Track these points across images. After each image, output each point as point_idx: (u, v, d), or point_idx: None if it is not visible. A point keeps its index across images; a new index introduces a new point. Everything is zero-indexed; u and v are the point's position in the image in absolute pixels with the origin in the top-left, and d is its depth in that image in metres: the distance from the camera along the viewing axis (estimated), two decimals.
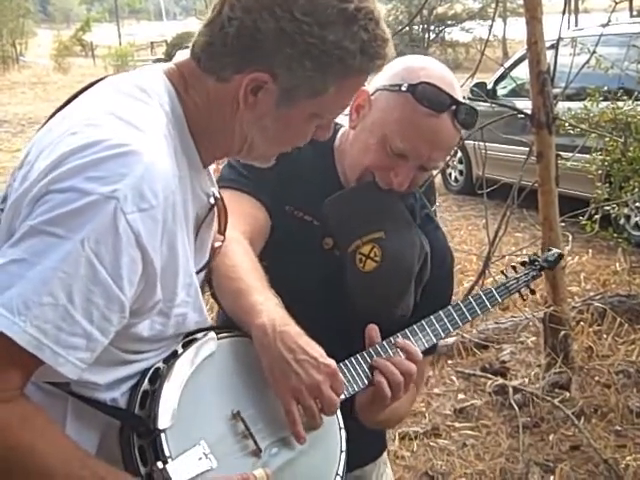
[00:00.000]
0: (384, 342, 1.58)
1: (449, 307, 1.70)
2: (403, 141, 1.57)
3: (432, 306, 1.71)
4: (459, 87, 1.64)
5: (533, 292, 1.92)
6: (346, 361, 1.52)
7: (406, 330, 1.62)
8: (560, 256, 1.94)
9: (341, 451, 1.47)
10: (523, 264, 1.90)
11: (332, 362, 1.36)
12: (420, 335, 1.63)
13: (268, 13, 1.17)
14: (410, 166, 1.60)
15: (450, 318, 1.68)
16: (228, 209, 1.49)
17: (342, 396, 1.44)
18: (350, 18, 1.18)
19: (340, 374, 1.38)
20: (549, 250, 1.96)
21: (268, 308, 1.39)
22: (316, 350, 1.36)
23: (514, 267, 1.90)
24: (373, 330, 1.57)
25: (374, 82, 1.65)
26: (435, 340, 1.66)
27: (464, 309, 1.72)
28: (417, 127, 1.56)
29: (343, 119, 1.76)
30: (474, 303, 1.74)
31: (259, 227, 1.62)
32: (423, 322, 1.65)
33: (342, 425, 1.48)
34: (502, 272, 1.89)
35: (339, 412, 1.43)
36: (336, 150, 1.74)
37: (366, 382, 1.53)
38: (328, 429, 1.42)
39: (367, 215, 1.65)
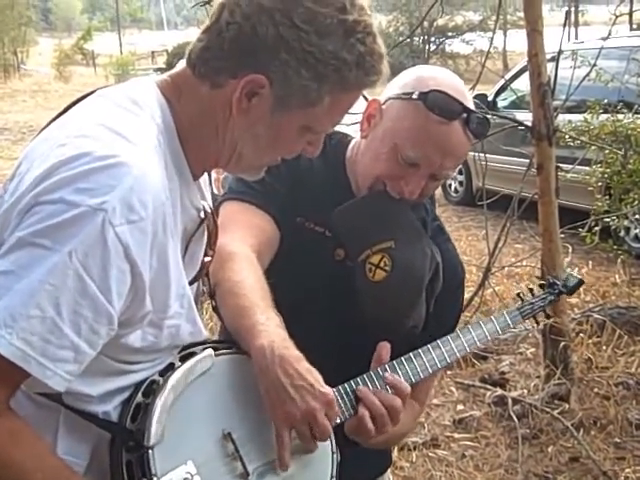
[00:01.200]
0: (378, 369, 1.53)
1: (457, 331, 1.67)
2: (414, 149, 1.56)
3: (442, 319, 1.69)
4: (470, 96, 1.63)
5: (548, 317, 1.87)
6: (339, 387, 1.48)
7: (402, 358, 1.58)
8: (580, 282, 1.89)
9: (331, 476, 1.44)
10: (542, 287, 1.86)
11: (329, 390, 1.35)
12: (415, 363, 1.59)
13: (267, 18, 1.16)
14: (421, 174, 1.58)
15: (458, 342, 1.65)
16: (236, 221, 1.48)
17: (343, 417, 1.43)
18: (349, 30, 1.18)
19: (335, 403, 1.36)
20: (570, 275, 1.91)
21: (268, 329, 1.37)
22: (314, 376, 1.34)
23: (531, 290, 1.85)
24: (384, 349, 1.54)
25: (385, 92, 1.65)
26: (440, 365, 1.62)
27: (473, 334, 1.68)
28: (428, 135, 1.55)
29: (353, 131, 1.76)
30: (484, 328, 1.70)
31: (266, 239, 1.60)
32: (429, 346, 1.61)
33: (335, 449, 1.45)
34: (518, 295, 1.84)
35: (332, 436, 1.41)
36: (348, 161, 1.73)
37: (352, 412, 1.49)
38: (319, 453, 1.40)
39: (377, 224, 1.63)
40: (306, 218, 1.67)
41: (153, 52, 39.77)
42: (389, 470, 1.94)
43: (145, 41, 47.73)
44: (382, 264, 1.60)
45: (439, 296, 1.69)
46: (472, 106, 1.60)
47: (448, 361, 1.64)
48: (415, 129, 1.56)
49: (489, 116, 1.73)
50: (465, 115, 1.56)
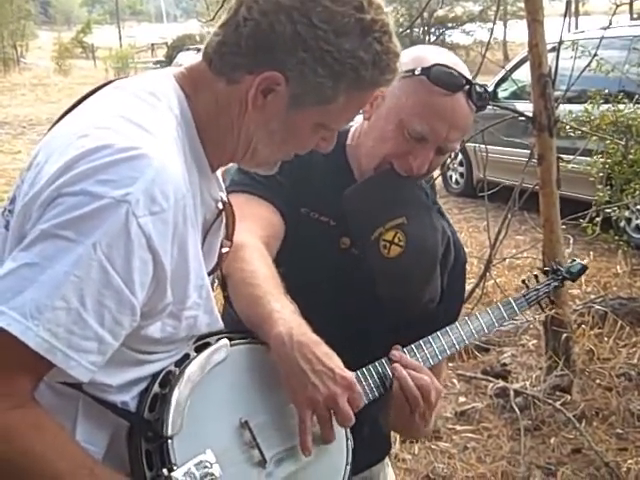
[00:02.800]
0: (405, 349, 1.57)
1: (465, 318, 1.69)
2: (421, 123, 1.58)
3: (446, 301, 1.72)
4: (467, 70, 1.65)
5: (553, 302, 1.89)
6: (363, 369, 1.52)
7: (420, 341, 1.61)
8: (584, 268, 1.90)
9: (347, 463, 1.46)
10: (545, 273, 1.88)
11: (349, 374, 1.36)
12: (434, 346, 1.63)
13: (285, 16, 1.16)
14: (428, 148, 1.60)
15: (466, 329, 1.67)
16: (243, 213, 1.48)
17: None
18: (366, 29, 1.18)
19: (357, 386, 1.37)
20: (573, 260, 1.92)
21: (285, 317, 1.38)
22: (333, 361, 1.35)
23: (536, 276, 1.87)
24: (396, 349, 1.57)
25: None
26: (449, 352, 1.65)
27: (481, 321, 1.70)
28: (434, 107, 1.58)
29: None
30: (491, 315, 1.72)
31: (274, 231, 1.62)
32: (438, 333, 1.64)
33: (349, 436, 1.46)
34: (523, 282, 1.86)
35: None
36: (348, 147, 1.74)
37: (377, 394, 1.52)
38: (336, 440, 1.41)
39: (387, 202, 1.65)
40: (310, 208, 1.69)
41: (153, 45, 39.83)
42: (387, 457, 1.95)
43: (144, 34, 47.75)
44: (396, 240, 1.62)
45: (449, 273, 1.72)
46: (470, 78, 1.63)
47: (457, 348, 1.67)
48: (420, 103, 1.58)
49: (490, 107, 1.75)
50: (467, 87, 1.59)
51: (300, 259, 1.62)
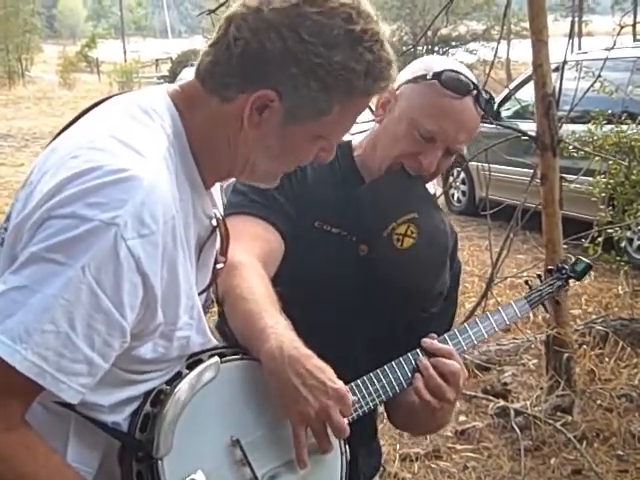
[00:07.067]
0: (408, 354, 1.59)
1: (465, 325, 1.70)
2: (432, 123, 1.65)
3: (446, 303, 1.80)
4: (474, 78, 1.72)
5: (558, 303, 1.88)
6: (364, 378, 1.53)
7: (417, 350, 1.61)
8: (589, 266, 1.88)
9: (341, 477, 1.45)
10: (549, 272, 1.88)
11: (341, 385, 1.36)
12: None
13: (275, 33, 1.17)
14: (437, 148, 1.67)
15: (465, 336, 1.68)
16: (240, 233, 1.49)
17: (355, 415, 1.46)
18: (356, 39, 1.19)
19: (349, 398, 1.37)
20: (578, 259, 1.89)
21: (277, 331, 1.38)
22: (325, 374, 1.35)
23: (539, 276, 1.87)
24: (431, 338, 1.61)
25: (397, 80, 1.71)
26: None
27: (480, 326, 1.71)
28: (444, 109, 1.66)
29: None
30: (491, 319, 1.73)
31: (270, 250, 1.63)
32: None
33: (344, 450, 1.45)
34: (526, 282, 1.86)
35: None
36: (357, 157, 1.79)
37: (377, 403, 1.54)
38: (329, 455, 1.41)
39: (398, 199, 1.71)
40: (324, 221, 1.72)
41: (157, 60, 39.98)
42: (378, 475, 1.94)
43: (149, 49, 47.93)
44: (409, 232, 1.68)
45: (451, 274, 1.78)
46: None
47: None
48: (431, 105, 1.66)
49: (492, 126, 1.79)
50: (475, 92, 1.67)
51: (321, 272, 1.67)
